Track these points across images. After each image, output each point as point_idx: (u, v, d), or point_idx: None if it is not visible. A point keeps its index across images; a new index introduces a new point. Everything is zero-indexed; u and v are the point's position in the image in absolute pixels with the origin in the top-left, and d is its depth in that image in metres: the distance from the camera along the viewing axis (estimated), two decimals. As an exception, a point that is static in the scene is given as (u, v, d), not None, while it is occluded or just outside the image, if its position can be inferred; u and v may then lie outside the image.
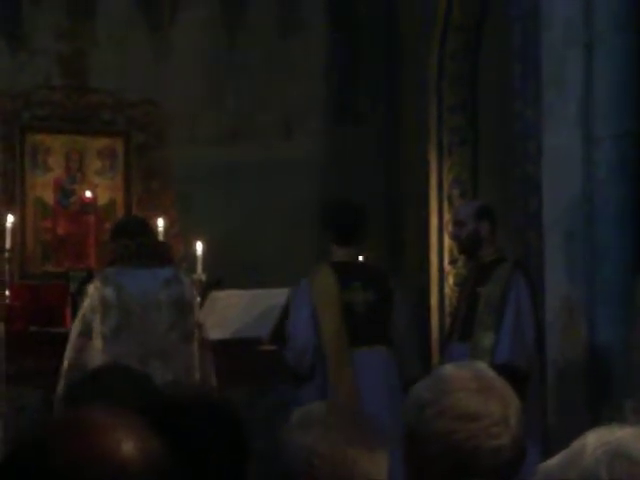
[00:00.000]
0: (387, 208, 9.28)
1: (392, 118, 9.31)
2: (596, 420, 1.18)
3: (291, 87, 9.43)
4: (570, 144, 5.12)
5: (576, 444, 1.19)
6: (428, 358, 8.41)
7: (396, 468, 2.35)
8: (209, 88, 9.42)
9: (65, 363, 5.81)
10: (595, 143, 5.05)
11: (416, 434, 2.27)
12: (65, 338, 6.04)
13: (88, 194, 8.88)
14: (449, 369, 2.33)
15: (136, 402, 2.44)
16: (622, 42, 5.10)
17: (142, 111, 9.19)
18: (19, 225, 8.62)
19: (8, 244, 7.38)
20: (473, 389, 2.25)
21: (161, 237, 8.33)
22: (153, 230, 6.46)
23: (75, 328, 5.88)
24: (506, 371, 2.43)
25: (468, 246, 6.25)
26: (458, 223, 6.32)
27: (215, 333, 6.87)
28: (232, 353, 6.86)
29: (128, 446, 1.34)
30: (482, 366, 2.36)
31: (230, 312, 7.24)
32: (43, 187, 9.03)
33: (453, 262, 8.59)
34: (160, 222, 8.40)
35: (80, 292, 7.13)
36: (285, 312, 6.37)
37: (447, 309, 8.46)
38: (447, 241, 8.55)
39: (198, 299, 6.26)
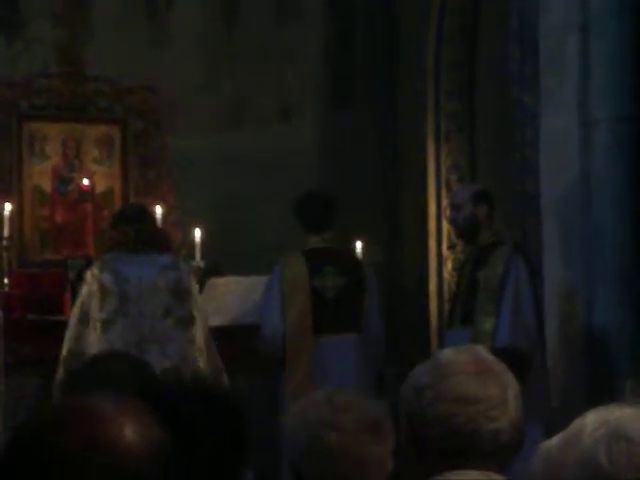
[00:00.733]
0: (385, 194, 9.27)
1: (389, 103, 9.30)
2: (595, 401, 1.18)
3: (289, 73, 9.42)
4: (567, 127, 5.11)
5: (575, 424, 1.19)
6: (427, 344, 8.41)
7: None
8: (207, 74, 9.40)
9: (64, 350, 5.82)
10: (592, 126, 5.05)
11: (415, 417, 2.27)
12: (64, 326, 6.05)
13: (86, 182, 8.87)
14: (448, 353, 2.34)
15: (134, 389, 2.45)
16: (619, 25, 5.10)
17: (140, 98, 9.18)
18: (17, 213, 8.61)
19: (6, 232, 7.39)
20: (471, 372, 2.25)
21: (159, 224, 8.34)
22: (152, 217, 6.48)
23: (73, 315, 5.90)
24: (507, 354, 2.45)
25: (466, 230, 6.25)
26: (455, 207, 6.32)
27: (214, 320, 6.88)
28: (231, 340, 6.87)
29: (130, 432, 1.34)
30: (480, 349, 2.37)
31: (228, 299, 7.25)
32: (41, 175, 9.02)
33: (451, 247, 8.59)
34: (158, 209, 8.40)
35: (79, 280, 7.14)
36: None
37: (446, 295, 8.46)
38: (445, 226, 8.55)
39: (197, 286, 6.26)
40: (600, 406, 1.22)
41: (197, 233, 8.12)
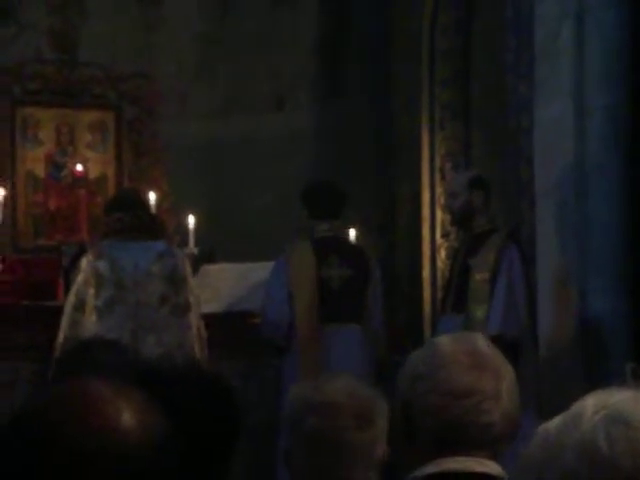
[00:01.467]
0: (379, 182, 9.27)
1: (384, 91, 9.29)
2: (588, 387, 1.18)
3: (282, 60, 9.40)
4: (562, 115, 5.12)
5: (575, 407, 1.18)
6: (420, 331, 8.42)
7: None
8: (201, 61, 9.39)
9: (60, 337, 5.81)
10: (587, 114, 5.05)
11: (408, 405, 2.28)
12: (57, 312, 6.04)
13: (79, 168, 8.85)
14: (445, 342, 2.33)
15: (124, 375, 2.45)
16: (613, 14, 5.10)
17: (133, 85, 9.16)
18: (10, 199, 8.60)
19: (-1, 218, 7.37)
20: (466, 364, 2.25)
21: (153, 211, 8.33)
22: (147, 203, 6.46)
23: (69, 302, 5.88)
24: (498, 342, 2.44)
25: (461, 217, 6.25)
26: (451, 194, 6.32)
27: (208, 307, 6.88)
28: (225, 327, 6.87)
29: (128, 417, 1.34)
30: (478, 338, 2.36)
31: (222, 285, 7.25)
32: (34, 161, 9.00)
33: (445, 235, 8.59)
34: (152, 196, 8.39)
35: (73, 266, 7.12)
36: None
37: (439, 282, 8.47)
38: (439, 214, 8.55)
39: (189, 272, 6.24)
40: (599, 390, 1.22)
41: (191, 220, 8.12)
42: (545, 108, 5.30)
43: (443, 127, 8.72)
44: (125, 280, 5.82)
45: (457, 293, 6.16)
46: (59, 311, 6.01)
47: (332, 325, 6.12)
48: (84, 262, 5.90)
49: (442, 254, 8.60)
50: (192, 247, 8.01)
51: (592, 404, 1.16)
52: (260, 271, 6.79)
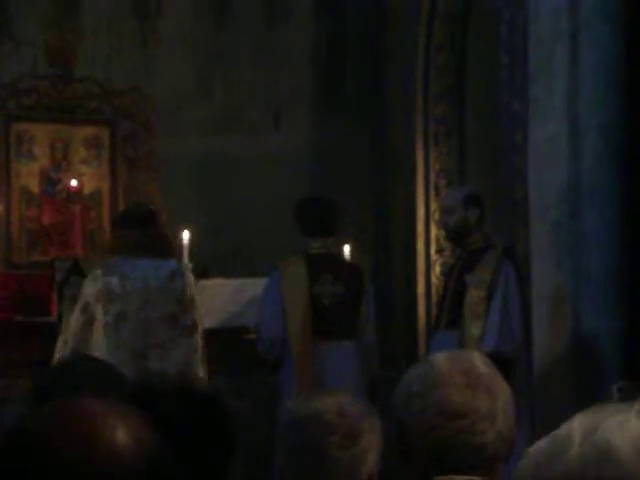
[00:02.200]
0: (374, 197, 9.28)
1: (379, 108, 9.31)
2: (582, 405, 1.18)
3: (278, 77, 9.42)
4: (556, 134, 5.13)
5: (563, 430, 1.17)
6: (415, 347, 8.42)
7: None
8: (196, 77, 9.41)
9: (67, 349, 5.74)
10: (581, 133, 5.06)
11: (403, 423, 2.27)
12: (51, 327, 6.01)
13: (74, 183, 8.85)
14: (441, 360, 2.31)
15: (106, 393, 2.44)
16: (608, 33, 5.11)
17: (128, 100, 9.17)
18: (4, 214, 8.60)
19: (-6, 233, 7.36)
20: (462, 385, 2.24)
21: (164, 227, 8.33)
22: (158, 220, 6.33)
23: (77, 318, 5.78)
24: (493, 359, 2.42)
25: (456, 233, 6.24)
26: (446, 210, 6.30)
27: (202, 322, 6.87)
28: (219, 342, 6.87)
29: (122, 433, 1.34)
30: (475, 357, 2.34)
31: (217, 301, 7.25)
32: (29, 176, 9.00)
33: (440, 251, 8.60)
34: (146, 211, 8.39)
35: (66, 281, 7.10)
36: None
37: (434, 298, 8.47)
38: (434, 230, 8.56)
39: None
40: (587, 409, 1.20)
41: (185, 235, 8.11)
42: (539, 127, 5.31)
43: (438, 143, 8.74)
44: (134, 297, 5.74)
45: (452, 309, 6.15)
46: (52, 327, 5.97)
47: (326, 342, 6.11)
48: (90, 278, 5.80)
49: (437, 270, 8.61)
50: (186, 262, 8.00)
51: (579, 428, 1.14)
52: (255, 287, 6.79)
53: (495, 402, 2.24)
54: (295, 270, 6.18)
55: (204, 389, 2.59)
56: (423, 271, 8.65)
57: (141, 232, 5.80)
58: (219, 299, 7.25)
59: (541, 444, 1.16)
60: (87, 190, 9.07)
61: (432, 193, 8.69)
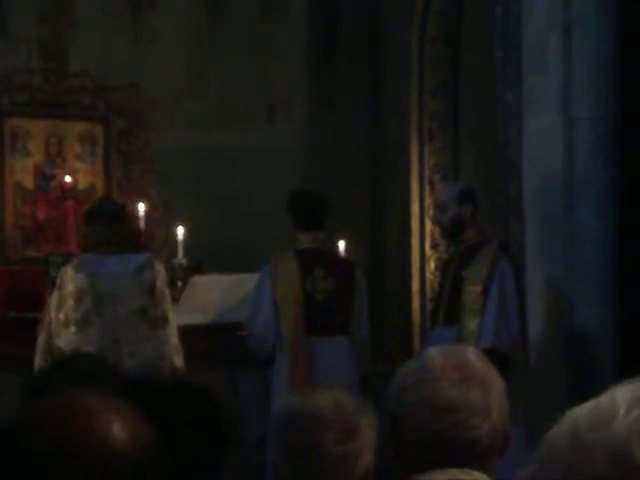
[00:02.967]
0: (368, 193, 9.28)
1: (374, 102, 9.30)
2: (577, 402, 1.17)
3: (273, 71, 9.41)
4: (550, 127, 5.12)
5: (605, 400, 1.13)
6: (409, 342, 8.43)
7: None
8: (191, 72, 9.39)
9: (38, 352, 5.81)
10: (575, 126, 5.06)
11: (396, 417, 2.27)
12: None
13: (68, 179, 8.84)
14: (435, 355, 2.31)
15: (108, 388, 2.44)
16: (601, 26, 5.11)
17: (123, 95, 9.15)
18: (-1, 210, 8.59)
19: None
20: (455, 379, 2.23)
21: (142, 222, 8.32)
22: (128, 214, 6.41)
23: (47, 315, 5.87)
24: (490, 355, 2.42)
25: (451, 230, 6.23)
26: (441, 207, 6.29)
27: (196, 318, 6.87)
28: (213, 338, 6.86)
29: (118, 428, 1.34)
30: (470, 352, 2.34)
31: (211, 297, 7.24)
32: (23, 172, 8.99)
33: (434, 247, 8.60)
34: (141, 207, 8.39)
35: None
36: None
37: (428, 293, 8.48)
38: (428, 226, 8.56)
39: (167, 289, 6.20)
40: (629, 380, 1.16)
41: (180, 231, 8.12)
42: (533, 119, 5.30)
43: (432, 138, 8.73)
44: (103, 293, 5.81)
45: (449, 306, 6.14)
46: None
47: (319, 338, 6.10)
48: (62, 275, 5.88)
49: (431, 265, 8.61)
50: (181, 258, 8.00)
51: (624, 399, 1.11)
52: (249, 282, 6.78)
53: (489, 396, 2.23)
54: (286, 265, 6.18)
55: (195, 383, 2.59)
56: (418, 266, 8.65)
57: (109, 228, 5.86)
58: (213, 294, 7.24)
59: (582, 412, 1.12)
60: (81, 186, 9.06)
61: (427, 188, 8.68)
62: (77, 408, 1.35)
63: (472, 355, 2.31)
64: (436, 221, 6.55)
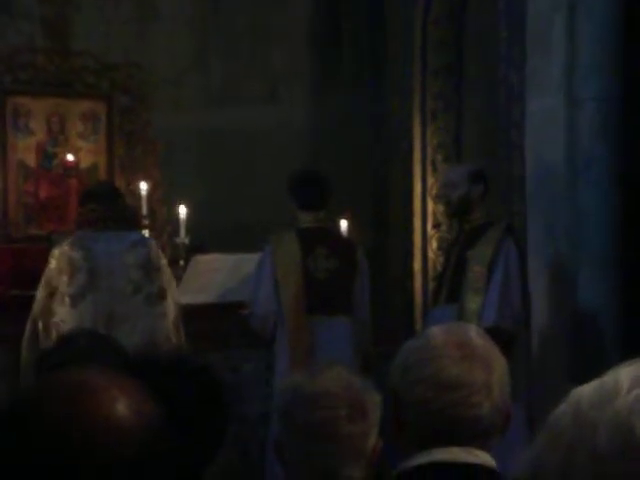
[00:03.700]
0: (371, 173, 9.27)
1: (376, 83, 9.28)
2: (579, 382, 1.17)
3: (276, 52, 9.39)
4: (553, 107, 5.12)
5: (608, 379, 1.13)
6: (412, 322, 8.43)
7: None
8: (194, 51, 9.36)
9: (29, 326, 5.87)
10: (578, 106, 5.05)
11: (398, 396, 2.27)
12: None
13: (70, 157, 8.83)
14: (437, 333, 2.31)
15: (111, 365, 2.44)
16: (605, 6, 5.09)
17: (126, 74, 9.13)
18: (1, 189, 8.58)
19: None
20: (457, 357, 2.24)
21: (144, 201, 8.32)
22: (121, 195, 6.53)
23: (41, 291, 5.94)
24: (492, 334, 2.42)
25: (458, 209, 6.22)
26: (450, 185, 6.26)
27: (199, 297, 6.88)
28: (215, 317, 6.87)
29: (123, 405, 1.33)
30: (471, 330, 2.34)
31: (213, 276, 7.24)
32: (25, 150, 8.97)
33: (436, 226, 8.59)
34: (143, 186, 8.38)
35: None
36: None
37: (430, 273, 8.47)
38: (430, 205, 8.55)
39: (164, 261, 6.22)
40: (633, 360, 1.16)
41: (182, 210, 8.11)
42: (536, 100, 5.30)
43: (435, 118, 8.72)
44: (98, 268, 5.88)
45: (452, 284, 6.14)
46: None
47: (320, 317, 6.10)
48: (57, 252, 5.95)
49: (433, 245, 8.60)
50: (183, 237, 8.00)
51: (627, 377, 1.11)
52: (251, 262, 6.78)
53: (491, 374, 2.24)
54: (287, 244, 6.18)
55: (200, 362, 2.59)
56: (420, 246, 8.65)
57: (104, 207, 5.94)
58: (215, 274, 7.25)
59: (585, 391, 1.13)
60: (84, 164, 9.05)
61: (429, 168, 8.67)
62: (81, 385, 1.35)
63: (474, 333, 2.32)
64: (444, 198, 6.50)
